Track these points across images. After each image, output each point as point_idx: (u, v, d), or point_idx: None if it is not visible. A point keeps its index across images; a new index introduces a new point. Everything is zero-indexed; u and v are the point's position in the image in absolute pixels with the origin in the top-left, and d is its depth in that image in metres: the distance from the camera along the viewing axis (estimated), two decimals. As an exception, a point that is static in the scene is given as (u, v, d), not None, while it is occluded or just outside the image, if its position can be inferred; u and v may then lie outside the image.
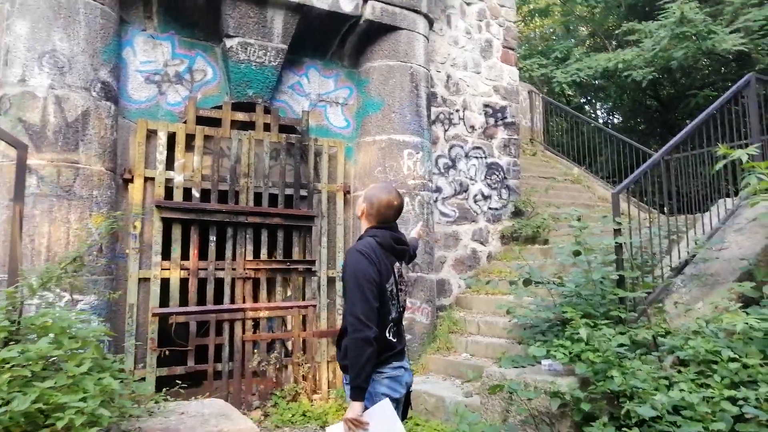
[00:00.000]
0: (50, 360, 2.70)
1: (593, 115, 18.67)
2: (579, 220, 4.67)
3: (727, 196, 5.69)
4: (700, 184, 6.13)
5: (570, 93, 17.47)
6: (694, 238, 4.97)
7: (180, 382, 5.36)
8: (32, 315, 2.97)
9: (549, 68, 14.21)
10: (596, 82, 15.86)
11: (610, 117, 19.69)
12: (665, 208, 5.61)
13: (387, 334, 2.66)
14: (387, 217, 2.79)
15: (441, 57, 7.65)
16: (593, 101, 19.69)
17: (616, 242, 4.43)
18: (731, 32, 10.94)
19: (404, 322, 2.91)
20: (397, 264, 2.81)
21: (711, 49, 10.73)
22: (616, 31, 14.39)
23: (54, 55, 4.77)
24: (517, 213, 8.06)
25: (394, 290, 2.73)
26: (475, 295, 6.97)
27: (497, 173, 7.98)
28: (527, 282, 4.89)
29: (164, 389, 4.16)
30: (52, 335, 2.64)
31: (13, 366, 2.44)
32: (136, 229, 5.44)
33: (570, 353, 3.83)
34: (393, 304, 2.72)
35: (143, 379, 5.36)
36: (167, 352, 5.54)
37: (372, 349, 2.49)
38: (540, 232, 7.56)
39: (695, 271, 4.87)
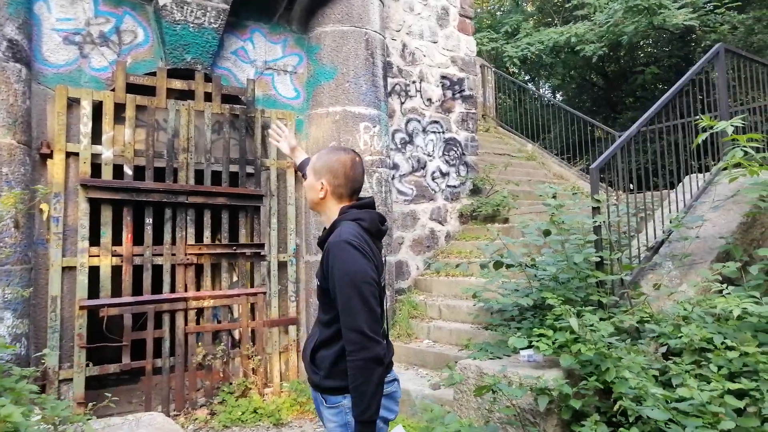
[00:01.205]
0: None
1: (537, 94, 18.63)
2: (555, 197, 4.35)
3: (697, 171, 5.52)
4: (659, 161, 5.96)
5: (514, 70, 17.34)
6: (669, 216, 4.75)
7: (113, 380, 4.80)
8: None
9: (499, 42, 13.93)
10: (544, 58, 15.77)
11: (555, 96, 19.74)
12: (629, 186, 5.37)
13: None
14: (359, 184, 2.22)
15: (396, 24, 7.15)
16: (536, 79, 19.66)
17: (595, 221, 4.13)
18: (679, 7, 10.95)
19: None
20: (383, 249, 2.31)
21: (661, 24, 10.70)
22: (567, 4, 14.24)
23: (-52, 5, 4.01)
24: (475, 191, 7.75)
25: (384, 284, 2.23)
26: (435, 277, 6.63)
27: (455, 149, 7.61)
28: (498, 264, 4.55)
29: (90, 404, 3.58)
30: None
31: None
32: (57, 211, 4.75)
33: (553, 343, 3.51)
34: (384, 301, 2.22)
35: (70, 380, 4.75)
36: (97, 349, 4.94)
37: (382, 369, 1.97)
38: (500, 210, 7.27)
39: (669, 251, 4.66)
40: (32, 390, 2.19)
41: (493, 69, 12.09)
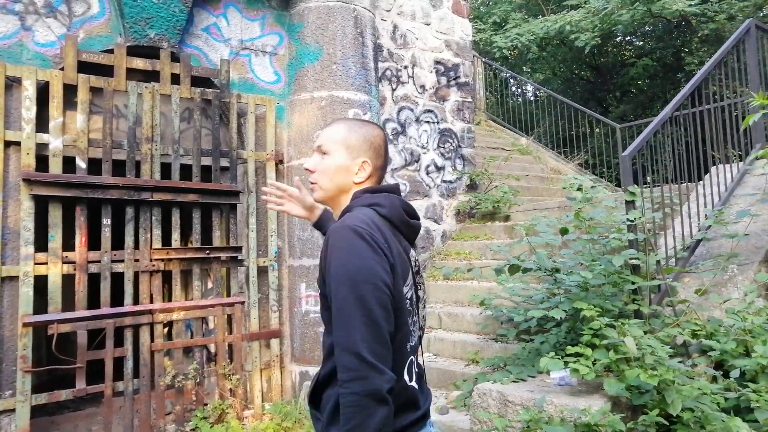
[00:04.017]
0: None
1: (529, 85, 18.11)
2: (580, 190, 3.75)
3: (724, 162, 4.97)
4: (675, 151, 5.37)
5: (496, 66, 16.81)
6: (704, 212, 4.18)
7: (73, 403, 4.09)
8: None
9: (487, 33, 13.36)
10: (532, 50, 15.24)
11: (539, 91, 19.24)
12: (647, 179, 4.80)
13: (405, 378, 1.52)
14: (385, 164, 1.71)
15: (386, 3, 6.51)
16: (517, 75, 19.12)
17: (632, 219, 3.53)
18: (677, -5, 10.49)
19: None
20: (413, 252, 1.67)
21: (659, 11, 10.21)
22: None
23: None
24: (472, 186, 7.14)
25: (414, 297, 1.60)
26: (432, 281, 6.00)
27: (451, 141, 6.99)
28: (514, 268, 3.93)
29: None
30: None
31: None
32: (-5, 212, 4.02)
33: (593, 364, 2.90)
34: (413, 322, 1.59)
35: (13, 410, 4.02)
36: (50, 371, 4.22)
37: (386, 410, 1.35)
38: (500, 207, 6.68)
39: (706, 251, 4.10)
40: None
41: (483, 59, 11.52)
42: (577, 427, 2.58)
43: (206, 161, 4.96)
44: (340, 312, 1.40)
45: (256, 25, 5.38)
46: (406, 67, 6.60)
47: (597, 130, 12.07)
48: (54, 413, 5.11)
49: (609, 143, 10.51)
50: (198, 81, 4.97)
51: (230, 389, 4.81)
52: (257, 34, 5.37)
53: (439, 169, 6.82)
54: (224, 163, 5.06)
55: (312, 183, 1.68)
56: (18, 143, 4.12)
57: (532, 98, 17.13)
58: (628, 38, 14.87)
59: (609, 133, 10.40)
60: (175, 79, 4.81)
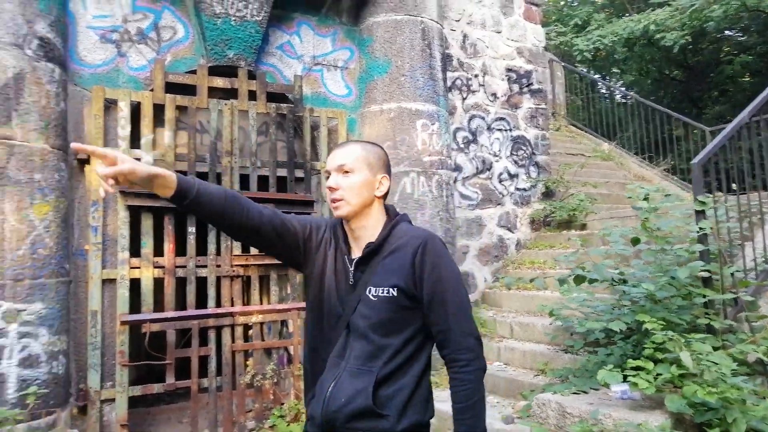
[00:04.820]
0: None
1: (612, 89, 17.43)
2: (646, 199, 3.64)
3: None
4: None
5: (582, 69, 16.27)
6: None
7: (168, 396, 4.46)
8: None
9: (568, 36, 13.04)
10: (617, 51, 14.67)
11: (628, 93, 18.45)
12: (732, 186, 4.54)
13: None
14: None
15: (455, 13, 6.57)
16: (606, 77, 18.41)
17: (701, 228, 3.39)
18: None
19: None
20: None
21: (755, 5, 9.57)
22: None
23: (-26, 2, 3.77)
24: (547, 194, 7.03)
25: None
26: (505, 290, 5.97)
27: (524, 148, 6.93)
28: (579, 279, 3.87)
29: None
30: None
31: None
32: (95, 220, 4.46)
33: (654, 378, 2.83)
34: None
35: (113, 400, 4.44)
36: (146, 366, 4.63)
37: None
38: (576, 215, 6.53)
39: (791, 262, 3.85)
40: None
41: (563, 64, 11.26)
42: (633, 441, 2.53)
43: (282, 172, 5.23)
44: (462, 307, 1.72)
45: (327, 41, 5.62)
46: (476, 76, 6.62)
47: (695, 131, 11.44)
48: (151, 405, 5.58)
49: (700, 146, 9.95)
50: (273, 96, 5.26)
51: (304, 390, 5.02)
52: (329, 49, 5.61)
53: (512, 176, 6.78)
54: (299, 174, 5.31)
55: (336, 200, 1.76)
56: (115, 159, 4.55)
57: (622, 101, 16.53)
58: (726, 33, 14.00)
59: (702, 137, 9.86)
60: (252, 95, 5.12)
